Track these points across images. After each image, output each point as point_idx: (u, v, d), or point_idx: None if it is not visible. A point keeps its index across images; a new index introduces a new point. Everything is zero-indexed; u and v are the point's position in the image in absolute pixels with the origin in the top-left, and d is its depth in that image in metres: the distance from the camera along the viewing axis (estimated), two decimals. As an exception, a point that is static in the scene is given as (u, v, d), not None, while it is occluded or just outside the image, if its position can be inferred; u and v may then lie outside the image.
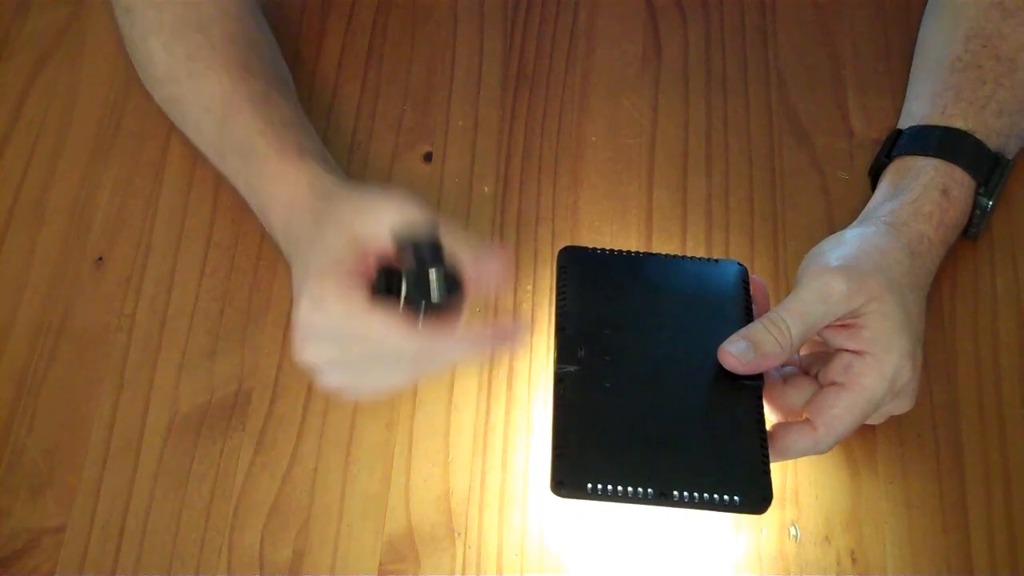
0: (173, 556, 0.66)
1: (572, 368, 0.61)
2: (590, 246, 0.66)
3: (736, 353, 0.59)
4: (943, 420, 0.67)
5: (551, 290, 0.72)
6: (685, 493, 0.57)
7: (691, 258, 0.66)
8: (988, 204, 0.68)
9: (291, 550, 0.66)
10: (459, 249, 0.56)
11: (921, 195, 0.67)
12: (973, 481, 0.66)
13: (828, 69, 0.79)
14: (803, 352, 0.65)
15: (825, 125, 0.77)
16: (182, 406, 0.70)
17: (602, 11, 0.82)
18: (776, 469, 0.66)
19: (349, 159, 0.77)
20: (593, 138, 0.78)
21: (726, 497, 0.57)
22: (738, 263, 0.66)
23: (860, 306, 0.60)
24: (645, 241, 0.74)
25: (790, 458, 0.61)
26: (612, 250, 0.66)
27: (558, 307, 0.64)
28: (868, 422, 0.62)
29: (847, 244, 0.64)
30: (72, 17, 0.84)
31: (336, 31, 0.82)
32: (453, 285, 0.56)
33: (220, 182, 0.76)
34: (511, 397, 0.69)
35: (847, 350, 0.61)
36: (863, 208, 0.72)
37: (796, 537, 0.65)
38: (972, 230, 0.69)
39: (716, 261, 0.66)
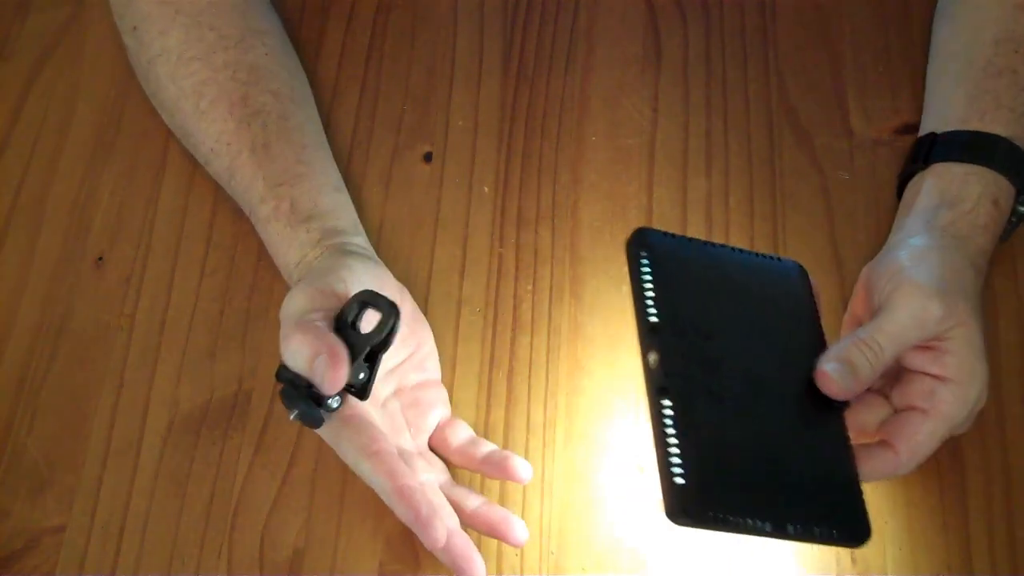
0: (173, 556, 0.66)
1: (676, 379, 0.55)
2: (661, 229, 0.61)
3: (836, 377, 0.57)
4: (943, 420, 0.67)
5: (551, 290, 0.72)
6: (799, 527, 0.54)
7: (757, 254, 0.62)
8: None
9: (291, 550, 0.66)
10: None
11: (976, 206, 0.66)
12: (973, 481, 0.66)
13: (828, 69, 0.79)
14: None
15: (825, 125, 0.77)
16: (182, 406, 0.70)
17: (602, 11, 0.82)
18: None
19: (349, 159, 0.77)
20: (593, 138, 0.78)
21: (834, 532, 0.55)
22: (798, 264, 0.63)
23: (947, 330, 0.59)
24: (645, 241, 0.74)
25: (872, 481, 0.60)
26: (684, 236, 0.61)
27: (643, 301, 0.57)
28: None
29: (929, 261, 0.62)
30: (72, 17, 0.84)
31: (336, 31, 0.82)
32: (308, 415, 0.59)
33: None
34: (511, 397, 0.69)
35: (929, 374, 0.60)
36: (864, 208, 0.72)
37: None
38: (1003, 236, 0.69)
39: (779, 259, 0.63)
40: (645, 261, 0.58)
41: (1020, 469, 0.66)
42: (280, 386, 0.60)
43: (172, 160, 0.78)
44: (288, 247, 0.68)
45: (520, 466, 0.64)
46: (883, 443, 0.60)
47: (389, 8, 0.83)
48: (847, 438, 0.58)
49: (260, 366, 0.71)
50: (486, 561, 0.62)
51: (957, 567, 0.64)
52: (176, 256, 0.75)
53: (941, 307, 0.59)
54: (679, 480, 0.52)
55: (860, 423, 0.61)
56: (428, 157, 0.78)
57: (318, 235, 0.67)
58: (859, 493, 0.57)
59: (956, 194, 0.66)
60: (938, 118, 0.71)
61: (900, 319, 0.59)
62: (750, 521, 0.53)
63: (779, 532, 0.54)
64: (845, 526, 0.55)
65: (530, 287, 0.73)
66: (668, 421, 0.54)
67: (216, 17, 0.73)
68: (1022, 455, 0.66)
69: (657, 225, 0.74)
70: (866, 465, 0.59)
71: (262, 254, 0.74)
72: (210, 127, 0.71)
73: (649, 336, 0.56)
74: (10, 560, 0.66)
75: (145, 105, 0.78)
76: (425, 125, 0.79)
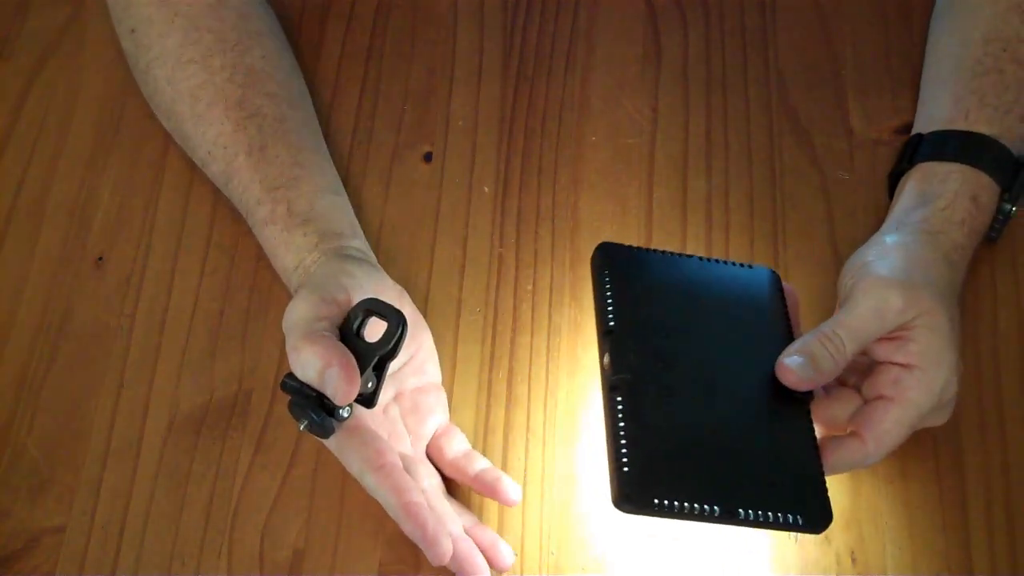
0: (173, 556, 0.66)
1: (627, 376, 0.58)
2: (625, 244, 0.64)
3: (795, 369, 0.58)
4: (943, 420, 0.67)
5: (551, 290, 0.72)
6: (750, 512, 0.55)
7: (726, 262, 0.64)
8: (1012, 209, 0.68)
9: (291, 550, 0.66)
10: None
11: (952, 202, 0.66)
12: (973, 481, 0.66)
13: (828, 69, 0.79)
14: None
15: (825, 125, 0.77)
16: (182, 406, 0.70)
17: (602, 11, 0.82)
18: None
19: (349, 159, 0.77)
20: (593, 138, 0.78)
21: (790, 517, 0.55)
22: (771, 270, 0.64)
23: (911, 320, 0.59)
24: (645, 241, 0.74)
25: (838, 472, 0.61)
26: (649, 249, 0.64)
27: (603, 309, 0.61)
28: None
29: (893, 255, 0.63)
30: (72, 17, 0.84)
31: (336, 31, 0.82)
32: (316, 425, 0.60)
33: (220, 182, 0.76)
34: (511, 397, 0.69)
35: (895, 363, 0.60)
36: (864, 208, 0.72)
37: (796, 537, 0.65)
38: (992, 234, 0.69)
39: (750, 267, 0.64)
40: (606, 273, 0.61)
41: (1020, 469, 0.66)
42: (285, 393, 0.60)
43: (172, 160, 0.78)
44: (286, 251, 0.68)
45: (510, 488, 0.64)
46: (852, 433, 0.60)
47: (389, 8, 0.83)
48: (811, 429, 0.59)
49: (260, 366, 0.71)
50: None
51: (957, 567, 0.64)
52: (176, 256, 0.75)
53: (901, 298, 0.59)
54: (624, 468, 0.55)
55: (831, 417, 0.61)
56: (428, 157, 0.78)
57: (315, 239, 0.67)
58: (820, 480, 0.58)
59: (934, 192, 0.67)
60: (926, 119, 0.72)
61: (860, 312, 0.60)
62: (697, 506, 0.55)
63: (729, 517, 0.55)
64: (803, 512, 0.56)
65: (530, 287, 0.73)
66: (618, 416, 0.57)
67: (214, 20, 0.73)
68: (1022, 455, 0.66)
69: (657, 226, 0.74)
70: (834, 455, 0.59)
71: (262, 254, 0.74)
72: (207, 130, 0.71)
73: (604, 339, 0.59)
74: (10, 560, 0.66)
75: (145, 106, 0.78)
76: (425, 125, 0.79)
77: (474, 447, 0.67)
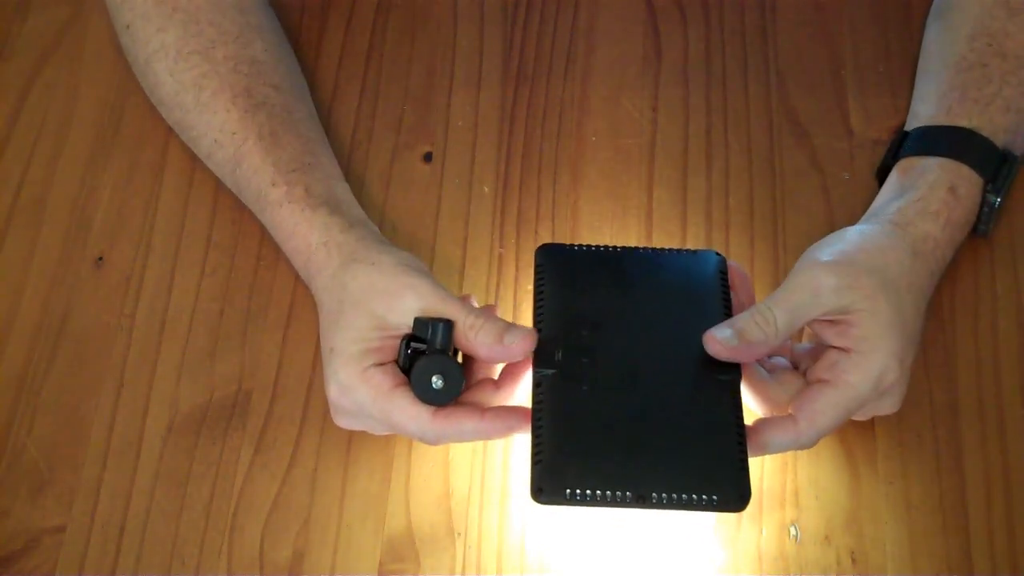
0: (173, 556, 0.66)
1: (549, 371, 0.61)
2: (568, 243, 0.66)
3: (720, 338, 0.59)
4: (943, 420, 0.67)
5: (551, 290, 0.73)
6: (663, 495, 0.57)
7: (668, 250, 0.66)
8: (996, 201, 0.68)
9: (291, 550, 0.66)
10: (478, 340, 0.61)
11: (928, 193, 0.67)
12: (973, 481, 0.66)
13: (828, 69, 0.79)
14: (799, 347, 0.65)
15: (825, 125, 0.77)
16: (182, 406, 0.70)
17: (602, 11, 0.82)
18: (776, 469, 0.66)
19: (349, 159, 0.77)
20: (593, 138, 0.78)
21: (704, 497, 0.56)
22: (716, 253, 0.65)
23: (851, 303, 0.60)
24: (645, 241, 0.74)
25: (771, 452, 0.61)
26: (590, 246, 0.65)
27: (535, 308, 0.64)
28: (852, 418, 0.63)
29: (846, 241, 0.64)
30: (72, 17, 0.84)
31: (336, 31, 0.82)
32: (453, 381, 0.60)
33: (220, 182, 0.76)
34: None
35: (835, 347, 0.61)
36: (864, 208, 0.72)
37: (796, 537, 0.65)
38: (981, 227, 0.69)
39: (694, 252, 0.65)
40: (542, 275, 0.64)
41: (1020, 469, 0.66)
42: (411, 357, 0.61)
43: (172, 160, 0.78)
44: (308, 228, 0.67)
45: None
46: (787, 416, 0.61)
47: (389, 8, 0.83)
48: (736, 409, 0.60)
49: (260, 366, 0.71)
50: (486, 562, 0.63)
51: (957, 567, 0.64)
52: (176, 256, 0.75)
53: (834, 277, 0.60)
54: (537, 462, 0.58)
55: (774, 399, 0.62)
56: (428, 157, 0.78)
57: (342, 220, 0.67)
58: (740, 459, 0.58)
59: (912, 184, 0.68)
60: (913, 116, 0.73)
61: (790, 287, 0.61)
62: (610, 493, 0.56)
63: (643, 501, 0.57)
64: (719, 491, 0.57)
65: (530, 287, 0.73)
66: (537, 410, 0.60)
67: (214, 14, 0.73)
68: (1022, 455, 0.66)
69: (657, 226, 0.74)
70: (765, 434, 0.60)
71: (263, 254, 0.74)
72: (212, 118, 0.71)
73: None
74: (10, 560, 0.66)
75: (145, 105, 0.78)
76: (425, 125, 0.79)
77: (474, 447, 0.68)
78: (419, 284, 0.62)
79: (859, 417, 0.64)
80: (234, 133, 0.70)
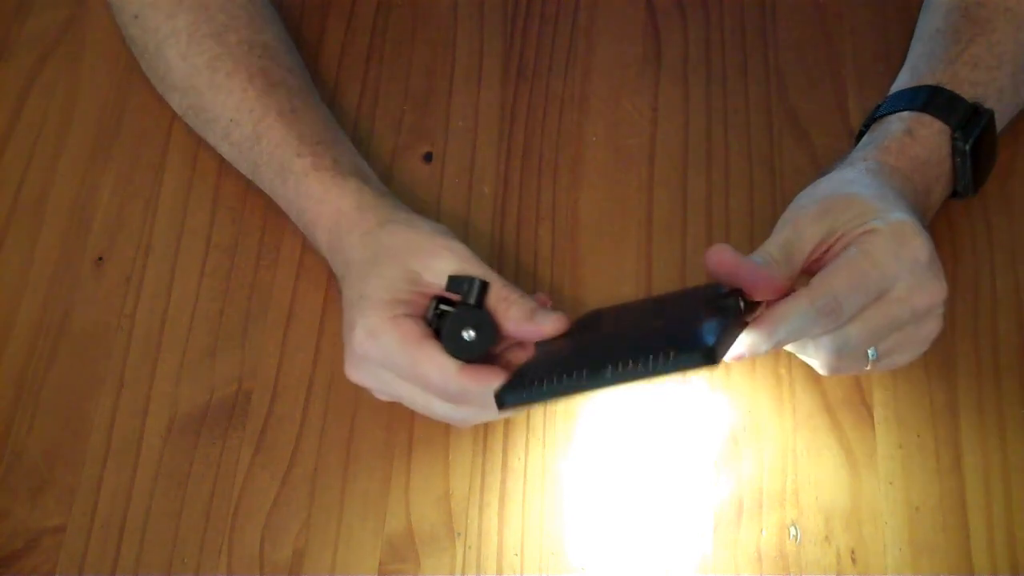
0: (173, 556, 0.66)
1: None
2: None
3: (720, 249, 0.56)
4: (943, 420, 0.67)
5: (551, 290, 0.72)
6: (619, 364, 0.51)
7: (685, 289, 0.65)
8: (965, 147, 0.66)
9: (291, 550, 0.66)
10: (509, 314, 0.61)
11: (883, 137, 0.67)
12: (973, 481, 0.66)
13: (828, 69, 0.79)
14: None
15: (825, 125, 0.77)
16: (182, 406, 0.70)
17: (602, 11, 0.82)
18: (776, 469, 0.66)
19: (350, 159, 0.77)
20: (593, 138, 0.78)
21: (662, 356, 0.50)
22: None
23: (835, 219, 0.59)
24: (645, 241, 0.74)
25: (783, 329, 0.56)
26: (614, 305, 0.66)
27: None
28: (912, 350, 0.61)
29: (807, 195, 0.63)
30: (72, 17, 0.84)
31: (336, 31, 0.82)
32: (486, 335, 0.60)
33: (220, 182, 0.76)
34: (511, 397, 0.69)
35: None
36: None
37: (796, 537, 0.65)
38: (960, 181, 0.68)
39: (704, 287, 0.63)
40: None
41: (1020, 469, 0.66)
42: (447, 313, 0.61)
43: (172, 160, 0.78)
44: (340, 193, 0.67)
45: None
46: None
47: (389, 8, 0.83)
48: (726, 295, 0.56)
49: (260, 366, 0.71)
50: (486, 562, 0.63)
51: (957, 567, 0.64)
52: (176, 256, 0.75)
53: (805, 217, 0.59)
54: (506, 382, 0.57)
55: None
56: (428, 157, 0.78)
57: (374, 189, 0.68)
58: (709, 311, 0.54)
59: (872, 137, 0.68)
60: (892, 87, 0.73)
61: (774, 236, 0.59)
62: (565, 378, 0.52)
63: (597, 377, 0.52)
64: (681, 344, 0.51)
65: (530, 287, 0.73)
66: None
67: (224, 1, 0.73)
68: (1022, 455, 0.66)
69: (657, 226, 0.74)
70: (778, 309, 0.56)
71: (262, 254, 0.74)
72: (228, 99, 0.71)
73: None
74: (10, 560, 0.66)
75: (145, 104, 0.78)
76: (425, 125, 0.79)
77: (474, 447, 0.68)
78: (457, 247, 0.63)
79: (916, 348, 0.61)
80: (252, 110, 0.70)
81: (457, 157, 0.77)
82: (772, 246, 0.59)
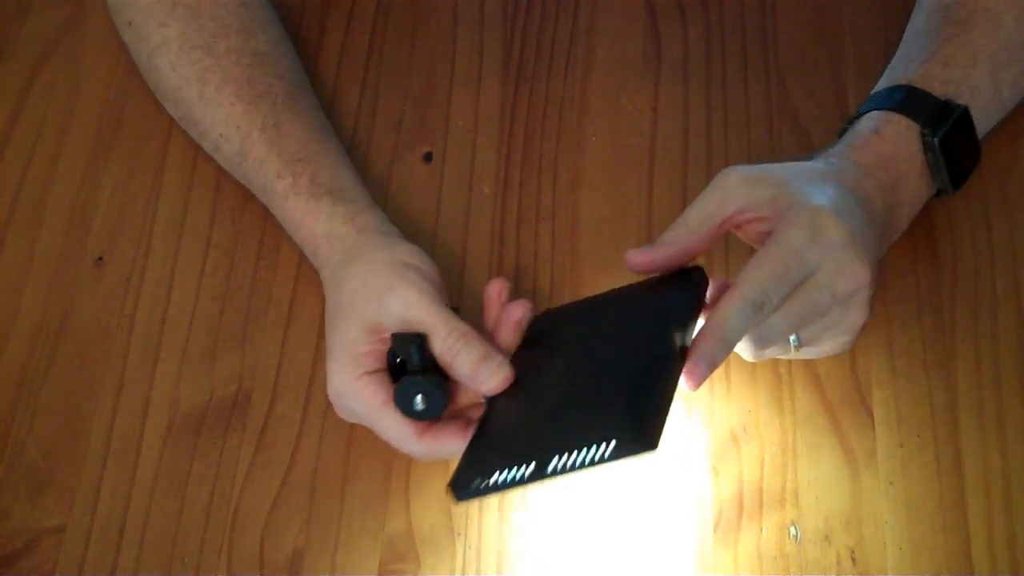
0: (173, 556, 0.66)
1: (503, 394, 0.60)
2: (560, 305, 0.68)
3: (637, 250, 0.61)
4: (943, 420, 0.67)
5: (551, 290, 0.73)
6: (564, 455, 0.52)
7: (650, 279, 0.64)
8: (935, 141, 0.66)
9: (291, 550, 0.66)
10: (454, 366, 0.60)
11: (851, 136, 0.68)
12: (973, 481, 0.66)
13: (828, 69, 0.79)
14: None
15: (825, 125, 0.77)
16: (182, 406, 0.70)
17: (602, 11, 0.82)
18: (776, 469, 0.66)
19: (349, 159, 0.77)
20: (593, 138, 0.78)
21: (601, 445, 0.51)
22: (697, 268, 0.63)
23: (765, 192, 0.60)
24: (645, 241, 0.73)
25: (729, 332, 0.57)
26: (576, 301, 0.67)
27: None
28: (840, 339, 0.62)
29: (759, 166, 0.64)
30: (72, 17, 0.84)
31: (336, 31, 0.82)
32: (436, 401, 0.60)
33: (220, 182, 0.76)
34: (511, 397, 0.69)
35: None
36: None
37: (796, 537, 0.65)
38: (936, 177, 0.68)
39: (675, 274, 0.63)
40: (529, 330, 0.64)
41: (1020, 469, 0.66)
42: (399, 376, 0.61)
43: (172, 160, 0.78)
44: (314, 219, 0.68)
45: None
46: (731, 285, 0.59)
47: (389, 8, 0.83)
48: (668, 365, 0.56)
49: (260, 366, 0.71)
50: (486, 562, 0.63)
51: (957, 567, 0.64)
52: (176, 256, 0.75)
53: (740, 176, 0.61)
54: (456, 468, 0.57)
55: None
56: (428, 157, 0.78)
57: (344, 209, 0.68)
58: (651, 404, 0.54)
59: (844, 137, 0.68)
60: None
61: (702, 195, 0.62)
62: (514, 471, 0.53)
63: (542, 471, 0.53)
64: (617, 432, 0.52)
65: (530, 287, 0.73)
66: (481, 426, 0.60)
67: (216, 7, 0.73)
68: (1022, 455, 0.66)
69: (657, 226, 0.74)
70: (714, 315, 0.57)
71: (263, 253, 0.74)
72: (217, 112, 0.71)
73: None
74: (10, 560, 0.66)
75: (145, 105, 0.78)
76: (425, 125, 0.79)
77: (474, 447, 0.68)
78: (403, 288, 0.62)
79: (842, 337, 0.62)
80: (238, 126, 0.71)
81: (457, 157, 0.77)
82: (693, 212, 0.61)
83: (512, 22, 0.82)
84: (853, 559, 0.64)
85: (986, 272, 0.71)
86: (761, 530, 0.65)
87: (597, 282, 0.72)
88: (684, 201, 0.75)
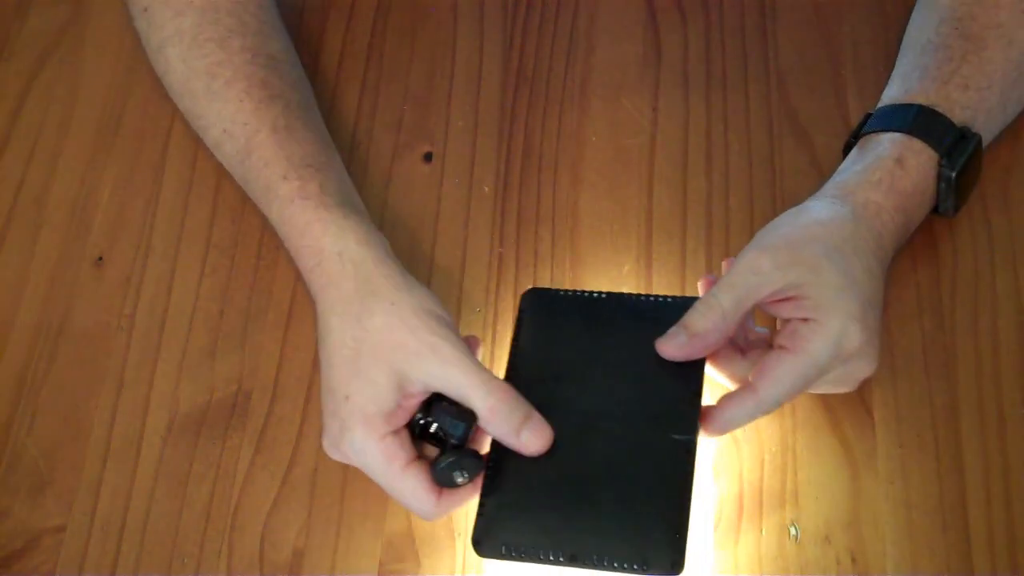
0: (173, 556, 0.66)
1: None
2: (557, 288, 0.67)
3: (672, 343, 0.60)
4: (943, 420, 0.67)
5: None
6: (595, 557, 0.57)
7: (657, 297, 0.65)
8: (952, 175, 0.67)
9: (291, 550, 0.66)
10: (494, 425, 0.60)
11: (873, 164, 0.67)
12: (973, 481, 0.66)
13: (828, 69, 0.79)
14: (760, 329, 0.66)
15: (825, 125, 0.77)
16: (182, 406, 0.70)
17: (602, 11, 0.82)
18: (776, 469, 0.66)
19: (349, 159, 0.77)
20: (593, 138, 0.78)
21: (635, 565, 0.56)
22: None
23: (796, 277, 0.60)
24: (645, 241, 0.74)
25: (736, 426, 0.61)
26: (577, 292, 0.66)
27: (509, 358, 0.64)
28: (841, 389, 0.64)
29: (786, 223, 0.64)
30: (72, 17, 0.84)
31: (336, 31, 0.82)
32: (475, 469, 0.60)
33: (220, 182, 0.76)
34: (511, 397, 0.69)
35: (795, 319, 0.61)
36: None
37: (796, 537, 0.65)
38: (942, 204, 0.69)
39: (674, 299, 0.64)
40: (522, 320, 0.65)
41: (1020, 469, 0.66)
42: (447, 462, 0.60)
43: (172, 160, 0.78)
44: (323, 229, 0.65)
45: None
46: (747, 386, 0.61)
47: (389, 8, 0.83)
48: (687, 472, 0.59)
49: (260, 366, 0.71)
50: (486, 562, 0.63)
51: (957, 567, 0.64)
52: (176, 256, 0.75)
53: (773, 258, 0.61)
54: (480, 515, 0.59)
55: (738, 372, 0.63)
56: (428, 157, 0.78)
57: (359, 228, 0.65)
58: (679, 524, 0.58)
59: (861, 157, 0.68)
60: (881, 99, 0.73)
61: (735, 273, 0.61)
62: (543, 553, 0.57)
63: (573, 562, 0.57)
64: (650, 559, 0.57)
65: (530, 287, 0.72)
66: (490, 459, 0.60)
67: (234, 5, 0.73)
68: (1022, 455, 0.66)
69: (657, 226, 0.74)
70: (727, 411, 0.60)
71: (263, 253, 0.74)
72: (223, 107, 0.70)
73: None
74: (10, 560, 0.66)
75: (145, 105, 0.78)
76: (425, 125, 0.79)
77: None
78: (442, 346, 0.60)
79: (843, 388, 0.64)
80: (246, 124, 0.69)
81: (457, 157, 0.77)
82: (726, 293, 0.61)
83: (512, 22, 0.82)
84: (853, 559, 0.64)
85: (986, 272, 0.71)
86: (761, 530, 0.65)
87: (597, 282, 0.72)
88: (684, 201, 0.75)
